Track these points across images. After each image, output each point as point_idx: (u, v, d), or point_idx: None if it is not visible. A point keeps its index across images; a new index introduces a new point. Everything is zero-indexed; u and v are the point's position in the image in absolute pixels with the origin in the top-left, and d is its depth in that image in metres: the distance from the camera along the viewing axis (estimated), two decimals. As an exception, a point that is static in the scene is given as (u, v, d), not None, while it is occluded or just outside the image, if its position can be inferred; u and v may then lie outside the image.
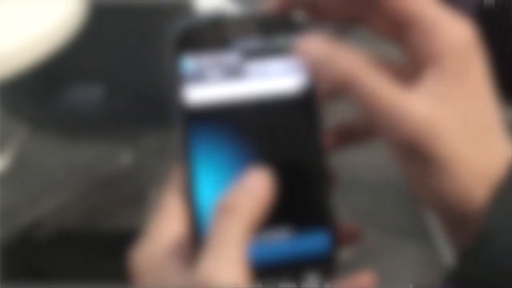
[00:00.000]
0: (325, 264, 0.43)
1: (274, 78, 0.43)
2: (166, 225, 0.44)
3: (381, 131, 0.43)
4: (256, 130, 0.43)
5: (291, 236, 0.43)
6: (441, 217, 0.45)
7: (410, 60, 0.45)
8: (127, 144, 2.33)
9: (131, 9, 1.97)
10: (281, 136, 0.43)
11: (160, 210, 0.44)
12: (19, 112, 1.97)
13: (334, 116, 0.47)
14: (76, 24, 1.63)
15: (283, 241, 0.42)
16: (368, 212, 2.17)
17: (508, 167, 0.43)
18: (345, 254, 0.44)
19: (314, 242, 0.43)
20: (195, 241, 0.42)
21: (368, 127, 0.47)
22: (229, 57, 0.43)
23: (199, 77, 0.43)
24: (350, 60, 0.43)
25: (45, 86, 1.95)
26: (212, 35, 0.43)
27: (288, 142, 0.43)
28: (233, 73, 0.43)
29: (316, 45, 0.43)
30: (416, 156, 0.43)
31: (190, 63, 0.43)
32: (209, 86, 0.43)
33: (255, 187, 0.41)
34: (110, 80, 2.01)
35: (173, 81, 0.43)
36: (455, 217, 0.44)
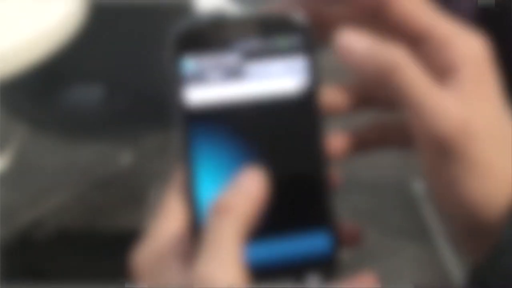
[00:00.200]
0: (326, 265, 0.43)
1: (274, 79, 0.43)
2: (167, 224, 0.44)
3: (415, 125, 0.43)
4: (256, 130, 0.43)
5: (292, 236, 0.43)
6: (457, 223, 0.45)
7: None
8: (127, 144, 2.33)
9: (131, 9, 1.97)
10: (282, 137, 0.43)
11: (161, 209, 0.44)
12: (19, 112, 1.97)
13: (347, 123, 0.47)
14: (76, 24, 1.63)
15: (284, 242, 0.43)
16: (368, 212, 2.17)
17: None
18: (345, 254, 0.44)
19: (315, 243, 0.43)
20: (195, 240, 0.42)
21: (383, 135, 0.47)
22: (230, 58, 0.43)
23: (199, 77, 0.43)
24: (393, 52, 0.43)
25: (45, 86, 1.95)
26: (212, 36, 0.43)
27: (289, 143, 0.43)
28: (234, 74, 0.43)
29: (358, 38, 0.44)
30: (446, 154, 0.43)
31: (190, 63, 0.43)
32: (210, 86, 0.43)
33: (249, 187, 0.42)
34: (110, 80, 2.01)
35: (173, 82, 0.43)
36: (473, 223, 0.44)
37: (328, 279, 0.42)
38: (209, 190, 0.42)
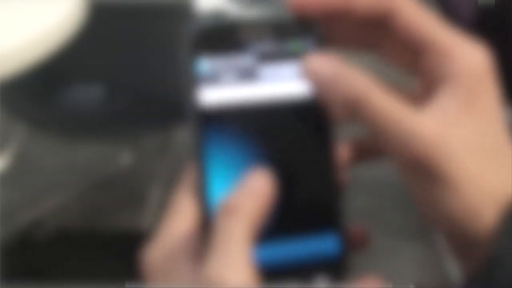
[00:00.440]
0: (335, 267, 0.43)
1: (287, 82, 0.44)
2: (178, 223, 0.44)
3: (389, 150, 0.43)
4: (268, 132, 0.43)
5: (302, 238, 0.43)
6: (448, 237, 0.45)
7: (422, 85, 0.45)
8: (127, 144, 2.33)
9: (131, 9, 1.97)
10: (293, 139, 0.44)
11: (172, 209, 0.45)
12: (19, 112, 1.97)
13: (348, 133, 0.47)
14: (76, 24, 1.63)
15: (294, 243, 0.43)
16: (368, 212, 2.17)
17: None
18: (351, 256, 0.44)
19: (324, 244, 0.43)
20: (206, 239, 0.42)
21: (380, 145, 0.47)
22: (244, 60, 0.44)
23: (213, 79, 0.43)
24: (358, 79, 0.43)
25: (45, 86, 1.95)
26: (227, 37, 0.44)
27: (300, 145, 0.44)
28: (247, 75, 0.43)
29: (324, 64, 0.43)
30: (424, 174, 0.43)
31: (205, 65, 0.43)
32: (223, 88, 0.43)
33: (256, 188, 0.42)
34: (110, 80, 2.01)
35: (188, 82, 0.43)
36: (463, 238, 0.44)
37: (336, 281, 0.42)
38: (220, 190, 0.43)
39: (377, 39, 0.46)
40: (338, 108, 0.43)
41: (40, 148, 2.35)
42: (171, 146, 2.16)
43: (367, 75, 0.43)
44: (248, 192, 0.42)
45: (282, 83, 0.44)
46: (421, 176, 0.43)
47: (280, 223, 0.43)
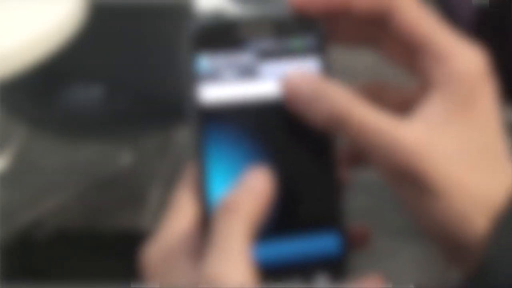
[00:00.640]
0: (335, 266, 0.43)
1: None
2: (177, 222, 0.44)
3: (375, 162, 0.43)
4: (269, 130, 0.43)
5: (302, 237, 0.43)
6: (439, 244, 0.44)
7: (420, 85, 0.45)
8: (127, 144, 2.33)
9: (131, 9, 1.97)
10: (294, 136, 0.44)
11: (172, 207, 0.45)
12: (19, 112, 1.97)
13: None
14: (76, 24, 1.63)
15: (294, 242, 0.43)
16: (368, 212, 2.17)
17: (510, 195, 0.43)
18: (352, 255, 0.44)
19: (325, 243, 0.43)
20: (206, 238, 0.42)
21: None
22: (244, 58, 0.44)
23: (213, 76, 0.43)
24: (339, 94, 0.43)
25: (45, 86, 1.95)
26: (227, 35, 0.44)
27: (300, 143, 0.44)
28: (247, 73, 0.43)
29: (303, 81, 0.43)
30: (410, 184, 0.43)
31: (205, 62, 0.43)
32: (223, 85, 0.43)
33: (255, 186, 0.42)
34: (110, 80, 2.01)
35: (188, 79, 0.43)
36: (454, 245, 0.43)
37: (336, 280, 0.42)
38: (221, 188, 0.43)
39: (377, 37, 0.46)
40: (320, 125, 0.43)
41: (40, 148, 2.35)
42: (171, 146, 2.16)
43: (347, 90, 0.43)
44: (248, 190, 0.42)
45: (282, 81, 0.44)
46: (407, 185, 0.43)
47: (280, 222, 0.43)
